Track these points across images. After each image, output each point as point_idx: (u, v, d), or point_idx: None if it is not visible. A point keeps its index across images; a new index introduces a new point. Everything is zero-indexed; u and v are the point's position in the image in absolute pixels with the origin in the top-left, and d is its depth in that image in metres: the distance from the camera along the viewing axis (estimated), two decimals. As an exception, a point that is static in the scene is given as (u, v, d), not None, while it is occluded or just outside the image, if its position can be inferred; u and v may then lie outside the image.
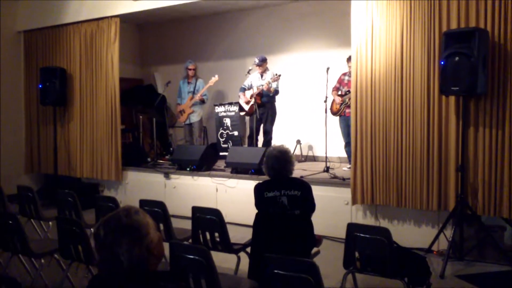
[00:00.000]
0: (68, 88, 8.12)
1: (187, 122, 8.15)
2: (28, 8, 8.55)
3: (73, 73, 8.12)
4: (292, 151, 3.87)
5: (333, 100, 6.96)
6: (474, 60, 4.59)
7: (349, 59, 6.45)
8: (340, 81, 6.97)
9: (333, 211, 5.76)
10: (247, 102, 7.56)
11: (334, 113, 6.97)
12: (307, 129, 8.17)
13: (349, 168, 6.14)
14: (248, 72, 7.63)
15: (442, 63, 4.81)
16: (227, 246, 4.00)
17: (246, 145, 7.96)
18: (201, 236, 4.08)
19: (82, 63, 8.02)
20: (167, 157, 8.36)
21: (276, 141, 7.49)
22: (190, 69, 8.10)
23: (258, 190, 3.67)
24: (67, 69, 8.14)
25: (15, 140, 8.67)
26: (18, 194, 5.55)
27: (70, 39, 8.16)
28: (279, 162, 3.63)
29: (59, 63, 8.25)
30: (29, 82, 8.74)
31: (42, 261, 4.17)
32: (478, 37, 4.61)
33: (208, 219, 4.03)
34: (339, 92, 6.92)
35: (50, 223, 5.36)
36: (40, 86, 8.08)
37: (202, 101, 8.09)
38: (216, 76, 7.86)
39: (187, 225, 4.39)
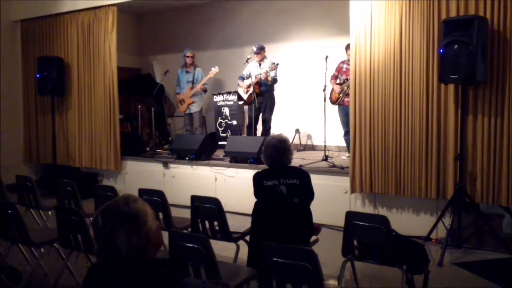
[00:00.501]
0: (65, 78, 8.08)
1: (188, 112, 8.15)
2: (24, -4, 8.50)
3: (70, 63, 8.08)
4: (291, 140, 3.86)
5: (332, 89, 6.94)
6: (473, 48, 4.57)
7: (347, 47, 6.41)
8: (339, 69, 6.94)
9: (331, 200, 5.78)
10: (246, 91, 7.54)
11: (333, 102, 6.95)
12: (306, 118, 8.16)
13: (348, 157, 6.14)
14: (247, 61, 7.59)
15: (441, 51, 4.79)
16: (226, 235, 4.01)
17: (245, 134, 7.95)
18: (200, 225, 4.09)
19: (79, 53, 7.97)
20: (165, 146, 8.35)
21: (275, 130, 7.48)
22: (188, 57, 8.08)
23: (257, 179, 3.68)
24: (65, 59, 8.10)
25: (13, 130, 8.64)
26: (17, 183, 5.55)
27: (67, 28, 8.11)
28: (278, 151, 3.63)
29: (57, 52, 8.20)
30: (26, 72, 8.69)
31: (42, 250, 4.18)
32: (477, 25, 4.59)
33: (207, 208, 4.03)
34: (338, 81, 6.90)
35: (49, 212, 5.37)
36: (38, 75, 8.05)
37: (205, 90, 8.07)
38: (216, 67, 7.81)
39: (186, 214, 4.40)
